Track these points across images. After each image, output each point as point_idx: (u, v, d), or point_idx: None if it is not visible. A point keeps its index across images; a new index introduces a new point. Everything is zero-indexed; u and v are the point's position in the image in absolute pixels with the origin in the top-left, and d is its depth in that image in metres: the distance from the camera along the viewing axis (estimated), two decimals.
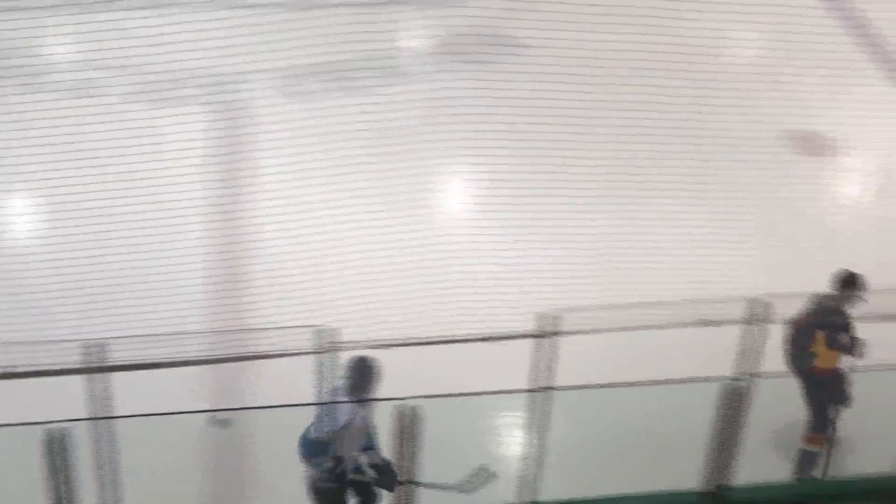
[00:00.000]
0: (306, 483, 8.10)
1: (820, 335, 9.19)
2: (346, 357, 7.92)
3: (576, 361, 8.67)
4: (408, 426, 6.85)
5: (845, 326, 9.19)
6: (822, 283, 9.56)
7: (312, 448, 7.98)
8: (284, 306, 10.16)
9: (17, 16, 13.09)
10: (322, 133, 11.71)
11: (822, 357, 9.26)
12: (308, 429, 7.96)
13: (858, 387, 9.16)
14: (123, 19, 12.36)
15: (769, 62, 14.28)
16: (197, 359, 7.91)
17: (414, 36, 14.66)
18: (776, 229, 11.79)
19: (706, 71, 13.04)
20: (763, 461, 8.90)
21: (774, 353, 8.26)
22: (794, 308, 8.95)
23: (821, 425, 9.39)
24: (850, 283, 9.30)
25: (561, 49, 12.76)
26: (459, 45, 14.26)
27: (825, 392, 9.34)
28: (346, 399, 7.83)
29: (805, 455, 9.51)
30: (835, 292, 9.31)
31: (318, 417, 7.87)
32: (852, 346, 9.12)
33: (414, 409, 6.76)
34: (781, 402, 9.41)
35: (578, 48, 12.69)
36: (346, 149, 11.72)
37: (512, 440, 9.31)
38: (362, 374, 7.97)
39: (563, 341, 7.54)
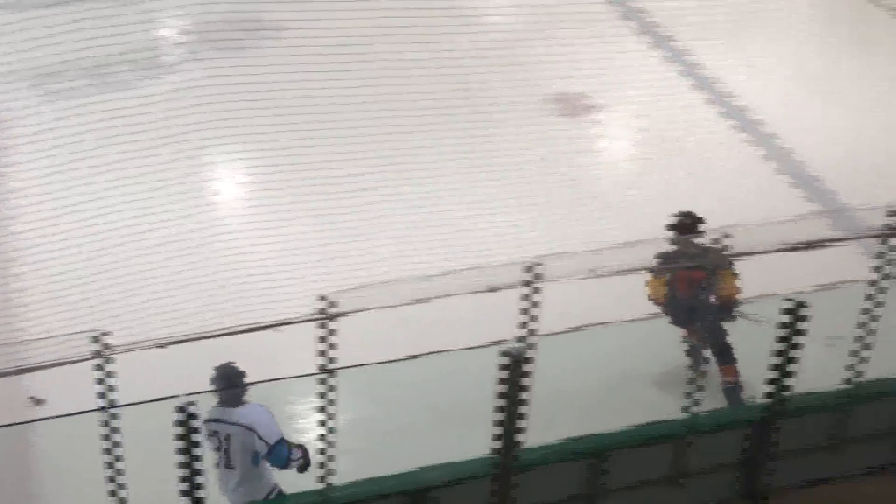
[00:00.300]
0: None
1: (724, 270, 9.35)
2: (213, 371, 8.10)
3: (362, 341, 8.72)
4: (187, 424, 6.81)
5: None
6: (590, 242, 9.81)
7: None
8: (58, 314, 9.89)
9: None
10: (81, 132, 11.38)
11: (727, 285, 9.46)
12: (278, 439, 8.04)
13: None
14: None
15: (523, 27, 14.55)
16: None
17: (169, 26, 14.40)
18: (542, 191, 12.01)
19: (464, 41, 13.22)
20: (558, 418, 9.11)
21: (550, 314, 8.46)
22: (563, 267, 9.13)
23: (730, 355, 9.71)
24: (690, 224, 9.62)
25: (317, 30, 12.71)
26: (215, 32, 14.07)
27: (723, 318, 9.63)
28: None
29: (730, 391, 9.80)
30: (678, 236, 9.59)
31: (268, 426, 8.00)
32: None
33: (190, 405, 6.74)
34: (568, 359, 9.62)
35: (334, 27, 12.67)
36: (109, 146, 11.42)
37: (306, 426, 9.30)
38: (233, 381, 8.00)
39: (347, 322, 7.54)
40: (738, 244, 8.55)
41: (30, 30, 13.14)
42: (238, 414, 8.02)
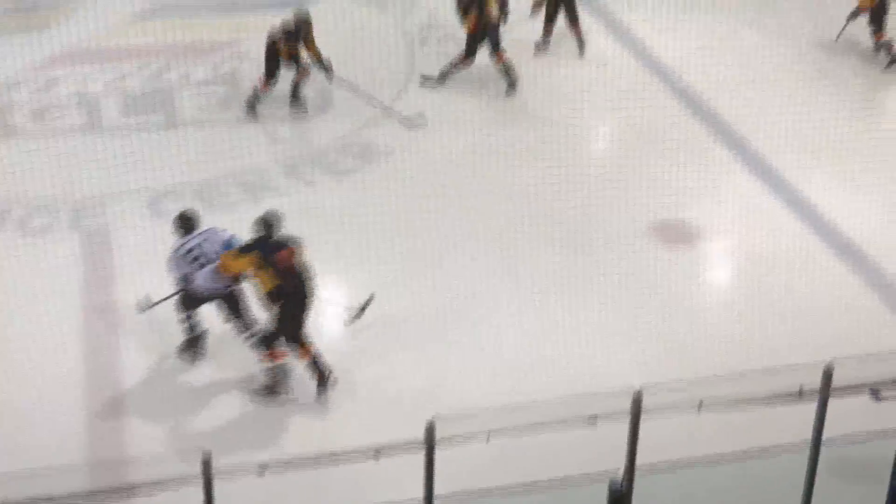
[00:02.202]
0: None
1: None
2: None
3: (464, 467, 8.72)
4: None
5: None
6: (698, 371, 9.78)
7: None
8: (164, 434, 10.07)
9: None
10: None
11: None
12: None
13: None
14: None
15: (632, 155, 14.63)
16: (77, 493, 7.73)
17: (278, 150, 14.70)
18: (649, 320, 11.96)
19: (572, 165, 13.35)
20: None
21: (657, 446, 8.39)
22: (668, 398, 9.08)
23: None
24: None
25: (422, 153, 12.94)
26: (324, 156, 14.37)
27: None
28: None
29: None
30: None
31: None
32: None
33: None
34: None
35: (441, 151, 12.87)
36: None
37: None
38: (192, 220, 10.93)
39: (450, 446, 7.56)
40: (845, 377, 8.44)
41: (144, 151, 13.59)
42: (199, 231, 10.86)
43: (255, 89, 14.99)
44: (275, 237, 10.44)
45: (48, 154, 13.75)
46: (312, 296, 10.55)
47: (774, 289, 12.36)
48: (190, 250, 10.72)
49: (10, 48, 15.67)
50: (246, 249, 10.35)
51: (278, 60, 14.83)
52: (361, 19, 16.65)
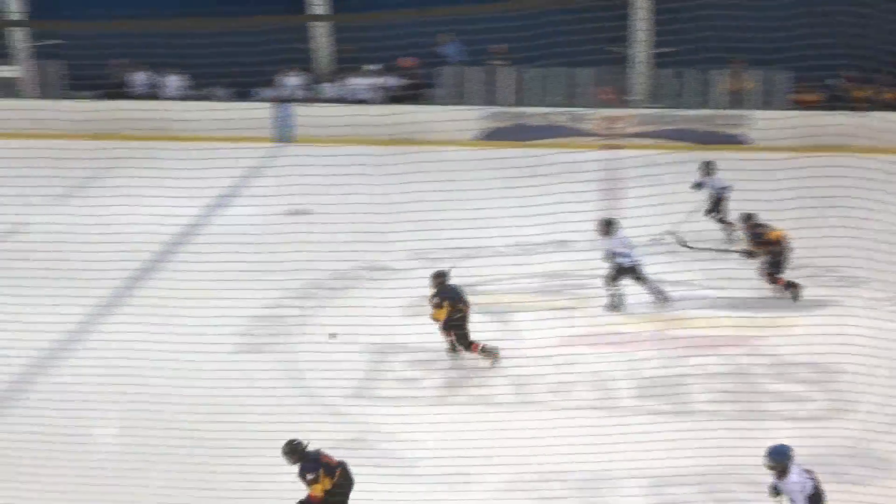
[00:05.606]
0: None
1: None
2: None
3: None
4: None
5: None
6: None
7: None
8: None
9: None
10: None
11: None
12: None
13: None
14: None
15: None
16: None
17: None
18: None
19: None
20: None
21: None
22: None
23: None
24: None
25: None
26: (829, 462, 13.76)
27: None
28: None
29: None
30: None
31: None
32: None
33: None
34: None
35: None
36: None
37: None
38: None
39: None
40: None
41: (651, 436, 13.61)
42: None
43: None
44: None
45: (560, 427, 14.12)
46: None
47: None
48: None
49: (540, 323, 16.49)
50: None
51: None
52: None
